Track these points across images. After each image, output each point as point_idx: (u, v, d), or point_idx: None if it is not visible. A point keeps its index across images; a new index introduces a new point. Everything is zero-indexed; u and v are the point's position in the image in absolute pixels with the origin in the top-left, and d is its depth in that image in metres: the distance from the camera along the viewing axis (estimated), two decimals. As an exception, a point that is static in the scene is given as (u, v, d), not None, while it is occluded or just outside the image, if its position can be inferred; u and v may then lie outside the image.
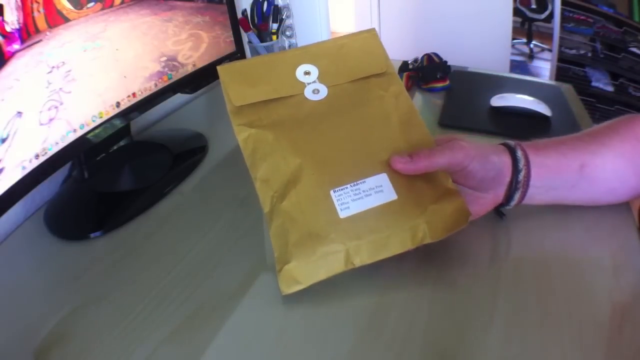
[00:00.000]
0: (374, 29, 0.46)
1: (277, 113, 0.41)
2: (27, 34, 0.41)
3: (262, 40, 0.90)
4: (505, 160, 0.40)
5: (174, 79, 0.61)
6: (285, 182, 0.38)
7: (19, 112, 0.41)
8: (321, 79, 0.43)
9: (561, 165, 0.41)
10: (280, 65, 0.43)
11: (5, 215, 0.41)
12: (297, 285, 0.37)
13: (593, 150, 0.42)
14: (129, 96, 0.54)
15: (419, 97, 0.79)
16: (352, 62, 0.44)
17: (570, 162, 0.41)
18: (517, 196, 0.41)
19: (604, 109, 1.82)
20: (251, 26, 0.89)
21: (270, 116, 0.41)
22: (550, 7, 2.27)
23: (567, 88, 0.79)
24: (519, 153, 0.40)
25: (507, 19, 1.61)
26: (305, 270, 0.37)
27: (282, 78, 0.42)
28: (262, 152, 0.39)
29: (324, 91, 0.42)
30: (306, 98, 0.42)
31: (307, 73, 0.42)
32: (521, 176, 0.40)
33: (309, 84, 0.42)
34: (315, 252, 0.36)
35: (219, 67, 0.42)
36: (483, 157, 0.39)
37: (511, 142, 0.42)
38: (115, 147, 0.59)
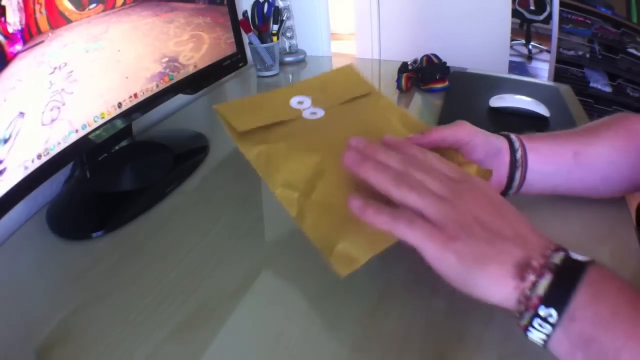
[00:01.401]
0: (351, 64, 0.51)
1: (280, 133, 0.42)
2: (29, 35, 0.41)
3: (262, 41, 0.91)
4: (503, 141, 0.42)
5: (175, 79, 0.61)
6: (309, 179, 0.37)
7: (22, 113, 0.41)
8: (315, 104, 0.45)
9: (555, 152, 0.42)
10: (273, 99, 0.45)
11: (8, 215, 0.41)
12: (355, 263, 0.34)
13: (586, 141, 0.43)
14: (130, 97, 0.55)
15: (418, 98, 0.79)
16: (339, 89, 0.47)
17: (563, 149, 0.42)
18: (517, 175, 0.42)
19: (602, 109, 1.83)
20: (252, 27, 0.89)
21: (275, 135, 0.41)
22: (548, 8, 2.28)
23: (565, 89, 0.80)
24: (513, 137, 0.43)
25: (505, 20, 1.62)
26: (358, 246, 0.34)
27: (278, 107, 0.44)
28: (276, 161, 0.39)
29: (320, 112, 0.44)
30: (305, 119, 0.44)
31: (300, 102, 0.45)
32: (519, 155, 0.42)
33: (304, 109, 0.44)
34: (364, 226, 0.33)
35: (215, 107, 0.43)
36: (484, 134, 0.41)
37: (504, 132, 0.44)
38: (117, 148, 0.59)
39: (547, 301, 0.27)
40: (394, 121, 0.44)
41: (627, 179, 0.43)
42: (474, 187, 0.32)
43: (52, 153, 0.45)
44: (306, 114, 0.44)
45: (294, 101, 0.45)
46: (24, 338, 0.38)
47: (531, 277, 0.28)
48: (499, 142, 0.42)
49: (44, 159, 0.44)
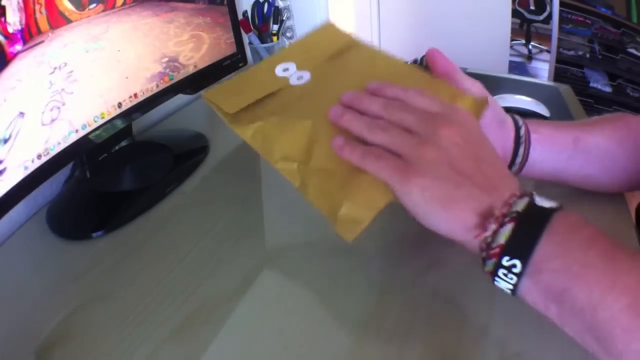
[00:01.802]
0: (331, 23, 0.48)
1: (271, 105, 0.41)
2: (29, 35, 0.41)
3: (262, 41, 0.91)
4: (508, 116, 0.43)
5: (175, 79, 0.61)
6: (305, 147, 0.37)
7: (21, 113, 0.41)
8: (300, 67, 0.43)
9: (556, 136, 0.42)
10: (258, 73, 0.44)
11: (8, 215, 0.41)
12: (359, 225, 0.33)
13: (585, 130, 0.43)
14: (130, 97, 0.55)
15: (418, 98, 0.79)
16: (321, 47, 0.45)
17: (563, 134, 0.43)
18: (521, 151, 0.42)
19: (602, 109, 1.83)
20: (252, 27, 0.89)
21: (266, 109, 0.41)
22: (548, 8, 2.28)
23: (565, 89, 0.80)
24: (516, 116, 0.43)
25: (505, 20, 1.62)
26: (360, 206, 0.33)
27: (264, 80, 0.43)
28: (271, 136, 0.38)
29: (306, 75, 0.42)
30: (293, 86, 0.42)
31: (285, 69, 0.43)
32: (522, 131, 0.42)
33: (290, 76, 0.43)
34: (361, 185, 0.33)
35: (204, 95, 0.43)
36: (494, 100, 0.42)
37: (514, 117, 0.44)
38: (117, 148, 0.59)
39: (509, 251, 0.27)
40: (382, 69, 0.42)
41: (625, 173, 0.43)
42: (453, 122, 0.31)
43: (52, 153, 0.45)
44: (293, 80, 0.42)
45: (279, 70, 0.43)
46: (24, 338, 0.38)
47: (492, 226, 0.27)
48: (505, 115, 0.42)
49: (44, 159, 0.44)
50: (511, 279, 0.27)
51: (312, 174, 0.36)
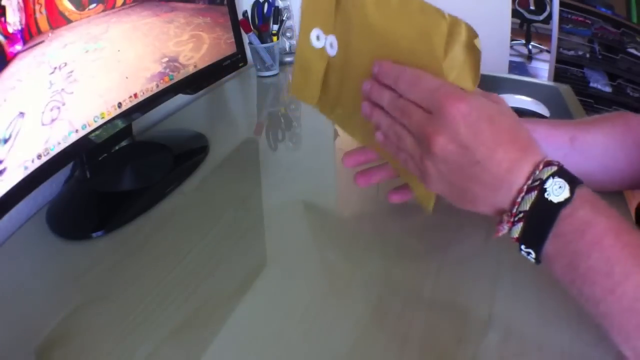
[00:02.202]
0: None
1: (332, 86, 0.46)
2: (29, 35, 0.41)
3: (262, 41, 0.91)
4: None
5: (175, 79, 0.61)
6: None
7: (21, 113, 0.41)
8: (325, 30, 0.44)
9: (551, 134, 0.42)
10: (303, 52, 0.46)
11: (8, 215, 0.41)
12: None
13: (582, 127, 0.43)
14: (130, 97, 0.55)
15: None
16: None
17: (560, 133, 0.42)
18: None
19: (602, 109, 1.83)
20: (252, 27, 0.90)
21: (331, 92, 0.46)
22: (548, 8, 2.28)
23: (565, 89, 0.80)
24: None
25: (505, 20, 1.61)
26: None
27: (312, 60, 0.46)
28: (345, 125, 0.47)
29: (334, 42, 0.43)
30: (332, 57, 0.44)
31: (317, 38, 0.45)
32: None
33: (324, 45, 0.44)
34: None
35: (291, 94, 0.47)
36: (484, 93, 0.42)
37: None
38: (117, 148, 0.59)
39: (524, 242, 0.31)
40: (378, 18, 0.39)
41: (625, 171, 0.43)
42: (442, 128, 0.31)
43: (52, 153, 0.45)
44: (329, 50, 0.44)
45: (314, 40, 0.45)
46: (24, 338, 0.38)
47: (505, 226, 0.31)
48: None
49: (44, 159, 0.44)
50: (531, 257, 0.31)
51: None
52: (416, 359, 0.33)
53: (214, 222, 0.50)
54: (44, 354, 0.36)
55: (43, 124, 0.43)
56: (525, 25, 2.49)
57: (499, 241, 0.44)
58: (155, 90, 0.58)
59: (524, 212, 0.30)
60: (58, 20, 0.44)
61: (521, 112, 0.68)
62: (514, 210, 0.30)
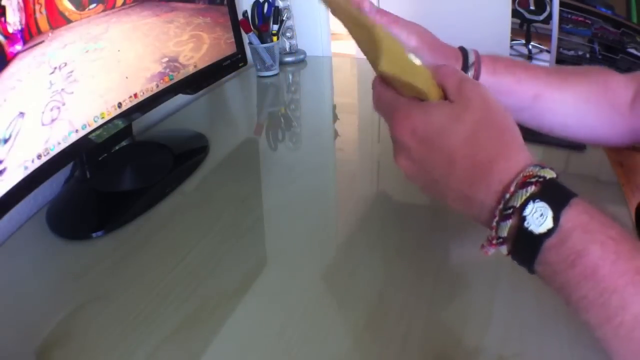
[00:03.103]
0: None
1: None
2: (29, 35, 0.41)
3: (262, 41, 0.91)
4: (456, 55, 0.41)
5: (175, 79, 0.61)
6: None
7: (22, 113, 0.41)
8: None
9: (513, 92, 0.40)
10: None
11: (8, 215, 0.41)
12: None
13: (554, 84, 0.40)
14: (130, 97, 0.55)
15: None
16: None
17: (524, 89, 0.40)
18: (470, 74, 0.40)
19: (602, 110, 1.83)
20: (252, 27, 0.90)
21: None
22: (548, 8, 2.28)
23: (565, 89, 0.80)
24: (471, 55, 0.41)
25: (505, 20, 1.61)
26: None
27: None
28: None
29: None
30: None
31: None
32: (469, 74, 0.40)
33: None
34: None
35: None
36: (434, 43, 0.41)
37: (469, 52, 0.41)
38: (117, 148, 0.59)
39: (514, 259, 0.27)
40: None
41: (591, 129, 0.41)
42: (402, 153, 0.29)
43: (52, 153, 0.45)
44: None
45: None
46: (23, 338, 0.38)
47: (490, 249, 0.28)
48: (449, 54, 0.41)
49: (44, 159, 0.44)
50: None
51: None
52: (416, 359, 0.33)
53: (214, 222, 0.50)
54: (44, 354, 0.36)
55: (43, 124, 0.43)
56: (525, 25, 2.49)
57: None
58: (155, 90, 0.58)
59: (503, 238, 0.26)
60: (58, 20, 0.44)
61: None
62: (493, 234, 0.27)
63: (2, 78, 0.39)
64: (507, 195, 0.25)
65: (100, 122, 0.51)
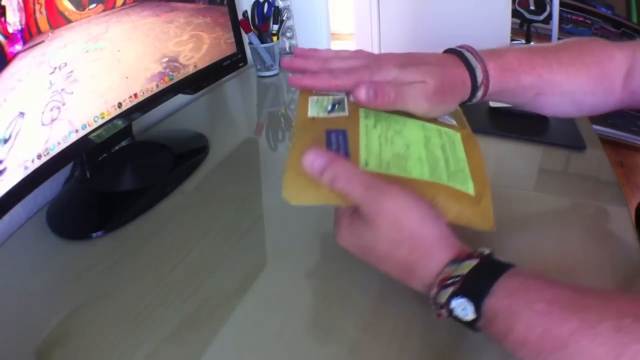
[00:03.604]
0: None
1: None
2: (29, 35, 0.41)
3: (262, 42, 0.91)
4: (461, 73, 0.39)
5: (175, 79, 0.61)
6: None
7: (21, 113, 0.41)
8: None
9: (517, 94, 0.41)
10: None
11: (8, 215, 0.41)
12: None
13: (556, 81, 0.40)
14: (130, 97, 0.55)
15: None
16: None
17: (526, 91, 0.40)
18: (478, 96, 0.39)
19: (602, 110, 1.83)
20: (252, 27, 0.90)
21: None
22: (548, 8, 2.28)
23: (565, 89, 0.80)
24: (478, 72, 0.39)
25: (505, 21, 1.61)
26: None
27: None
28: None
29: None
30: None
31: None
32: (479, 93, 0.39)
33: None
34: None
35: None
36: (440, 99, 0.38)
37: (475, 71, 0.39)
38: (117, 148, 0.59)
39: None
40: None
41: (581, 110, 0.42)
42: (365, 255, 0.34)
43: (52, 153, 0.45)
44: None
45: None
46: (23, 338, 0.38)
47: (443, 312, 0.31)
48: (456, 87, 0.38)
49: (44, 159, 0.44)
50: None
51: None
52: (416, 359, 0.33)
53: (214, 222, 0.50)
54: (44, 354, 0.36)
55: (43, 124, 0.43)
56: (525, 25, 2.49)
57: (498, 242, 0.44)
58: (155, 90, 0.58)
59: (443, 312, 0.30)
60: (58, 20, 0.44)
61: (522, 113, 0.68)
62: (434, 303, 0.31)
63: (2, 78, 0.39)
64: (433, 294, 0.30)
65: (100, 122, 0.51)
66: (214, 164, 0.62)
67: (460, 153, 0.37)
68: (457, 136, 0.39)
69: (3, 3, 0.38)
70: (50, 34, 0.44)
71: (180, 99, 0.75)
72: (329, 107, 0.37)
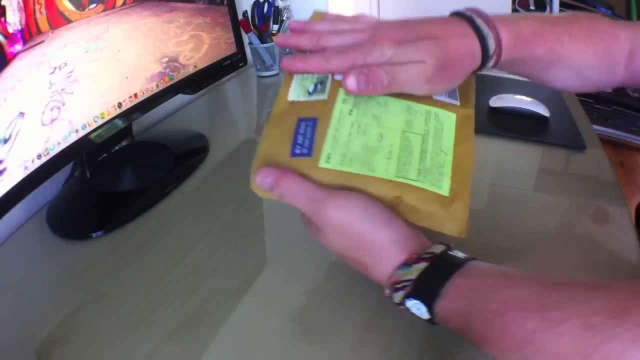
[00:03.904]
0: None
1: None
2: (29, 35, 0.41)
3: (262, 42, 0.91)
4: (472, 43, 0.35)
5: (175, 79, 0.61)
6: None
7: (22, 113, 0.41)
8: None
9: (526, 66, 0.39)
10: None
11: (8, 215, 0.41)
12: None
13: (565, 57, 0.38)
14: (130, 97, 0.55)
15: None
16: None
17: (536, 63, 0.39)
18: (489, 65, 0.37)
19: (602, 109, 1.83)
20: (252, 27, 0.90)
21: None
22: (548, 8, 2.28)
23: (565, 89, 0.80)
24: (490, 41, 0.35)
25: (506, 20, 1.61)
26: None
27: None
28: None
29: None
30: None
31: None
32: (490, 62, 0.37)
33: None
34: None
35: None
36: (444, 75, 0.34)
37: (483, 30, 0.35)
38: (117, 148, 0.59)
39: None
40: None
41: (582, 87, 0.42)
42: (331, 227, 0.33)
43: (52, 153, 0.45)
44: None
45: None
46: (24, 338, 0.38)
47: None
48: (466, 60, 0.35)
49: (44, 159, 0.44)
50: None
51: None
52: (416, 359, 0.33)
53: (214, 222, 0.50)
54: (44, 354, 0.36)
55: (43, 124, 0.43)
56: (525, 25, 2.49)
57: (499, 242, 0.44)
58: (155, 90, 0.58)
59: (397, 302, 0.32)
60: (58, 20, 0.44)
61: (521, 113, 0.68)
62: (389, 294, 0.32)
63: (2, 78, 0.39)
64: (387, 294, 0.31)
65: (100, 122, 0.51)
66: (214, 164, 0.62)
67: (446, 142, 0.34)
68: (451, 119, 0.35)
69: (3, 3, 0.38)
70: (50, 34, 0.44)
71: (180, 99, 0.75)
72: (310, 89, 0.36)
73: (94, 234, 0.49)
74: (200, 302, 0.40)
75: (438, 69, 0.33)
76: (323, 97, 0.35)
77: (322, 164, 0.32)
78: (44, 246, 0.49)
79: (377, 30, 0.35)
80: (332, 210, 0.31)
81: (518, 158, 0.59)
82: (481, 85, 0.91)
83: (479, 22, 0.35)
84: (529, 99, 0.69)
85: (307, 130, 0.33)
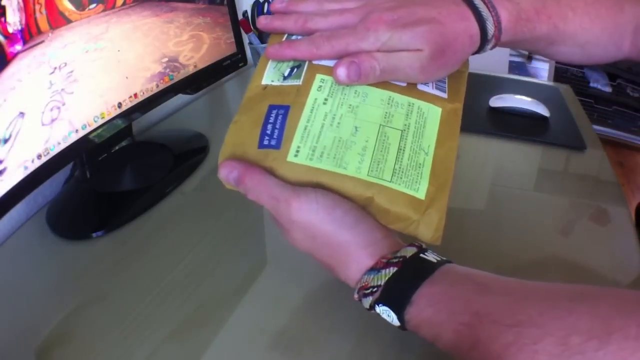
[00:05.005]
0: None
1: None
2: (29, 35, 0.41)
3: (262, 41, 0.91)
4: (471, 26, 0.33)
5: (175, 79, 0.61)
6: None
7: (21, 113, 0.41)
8: None
9: (527, 44, 0.38)
10: None
11: (8, 215, 0.41)
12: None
13: (568, 32, 0.37)
14: (130, 97, 0.55)
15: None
16: None
17: (539, 41, 0.37)
18: (487, 48, 0.35)
19: (602, 109, 1.83)
20: (252, 27, 0.90)
21: None
22: (549, 8, 2.27)
23: (565, 89, 0.80)
24: (489, 25, 0.33)
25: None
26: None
27: None
28: None
29: None
30: None
31: None
32: (490, 44, 0.35)
33: None
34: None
35: None
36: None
37: (482, 12, 0.33)
38: (117, 148, 0.59)
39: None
40: None
41: (586, 61, 0.41)
42: (296, 227, 0.31)
43: (52, 153, 0.45)
44: None
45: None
46: (23, 338, 0.38)
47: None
48: (465, 45, 0.33)
49: (44, 159, 0.44)
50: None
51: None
52: (416, 359, 0.33)
53: (214, 222, 0.50)
54: (44, 354, 0.36)
55: (43, 124, 0.43)
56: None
57: (499, 242, 0.44)
58: (155, 90, 0.58)
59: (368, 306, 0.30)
60: (58, 20, 0.44)
61: (521, 113, 0.68)
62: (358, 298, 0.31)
63: (2, 78, 0.39)
64: (356, 299, 0.30)
65: (100, 122, 0.51)
66: (214, 164, 0.62)
67: (428, 139, 0.32)
68: (435, 113, 0.33)
69: (3, 3, 0.38)
70: (50, 34, 0.44)
71: (180, 99, 0.74)
72: (286, 72, 0.33)
73: (94, 234, 0.49)
74: (200, 302, 0.40)
75: (435, 56, 0.31)
76: (298, 82, 0.32)
77: (291, 157, 0.30)
78: (44, 246, 0.49)
79: (369, 11, 0.32)
80: (297, 211, 0.29)
81: (518, 158, 0.59)
82: (481, 85, 0.91)
83: (479, 3, 0.33)
84: (529, 99, 0.69)
85: (278, 119, 0.31)
